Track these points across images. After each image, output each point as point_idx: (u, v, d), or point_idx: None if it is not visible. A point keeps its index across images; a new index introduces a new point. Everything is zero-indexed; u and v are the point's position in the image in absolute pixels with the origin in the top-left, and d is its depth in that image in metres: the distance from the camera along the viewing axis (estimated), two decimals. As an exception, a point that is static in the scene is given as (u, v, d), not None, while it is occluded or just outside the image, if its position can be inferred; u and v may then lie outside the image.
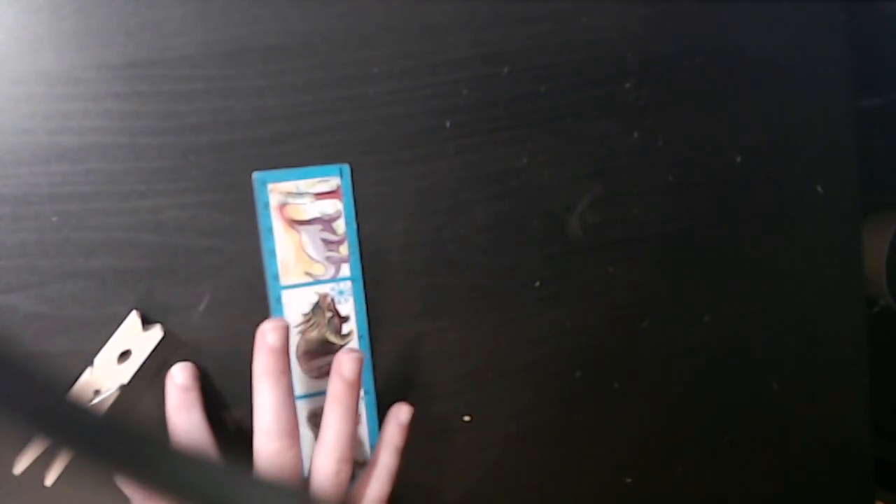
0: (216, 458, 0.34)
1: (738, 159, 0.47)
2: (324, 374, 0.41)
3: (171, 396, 0.37)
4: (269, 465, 0.35)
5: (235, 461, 0.15)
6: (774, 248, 0.49)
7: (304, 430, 0.41)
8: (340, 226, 0.40)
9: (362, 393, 0.41)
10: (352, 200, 0.40)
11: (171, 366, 0.38)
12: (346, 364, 0.37)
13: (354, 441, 0.38)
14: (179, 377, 0.37)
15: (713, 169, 0.47)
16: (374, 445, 0.42)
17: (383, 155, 0.41)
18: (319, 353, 0.40)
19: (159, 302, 0.38)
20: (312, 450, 0.41)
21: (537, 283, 0.44)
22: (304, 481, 0.37)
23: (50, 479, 0.36)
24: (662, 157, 0.46)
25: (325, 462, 0.36)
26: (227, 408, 0.39)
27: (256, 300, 0.39)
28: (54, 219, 0.36)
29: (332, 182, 0.40)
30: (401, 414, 0.40)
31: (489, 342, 0.44)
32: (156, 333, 0.37)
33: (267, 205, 0.39)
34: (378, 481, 0.39)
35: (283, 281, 0.39)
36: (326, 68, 0.39)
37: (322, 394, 0.40)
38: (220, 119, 0.38)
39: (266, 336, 0.36)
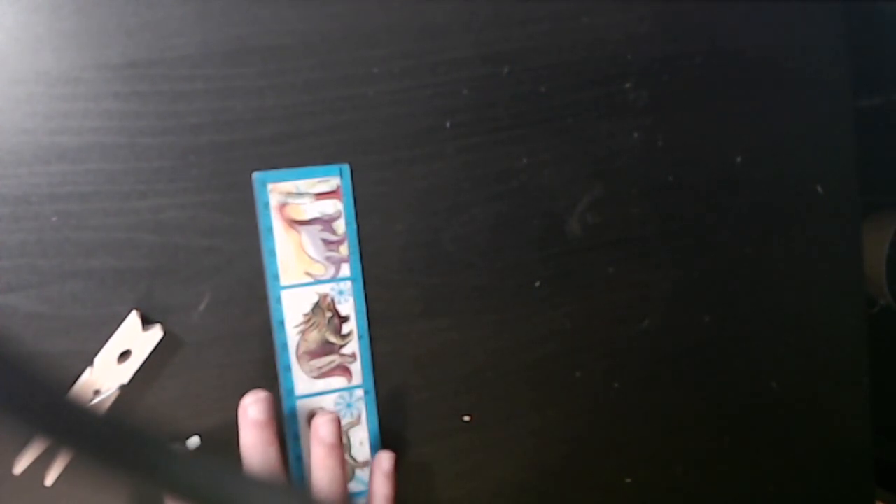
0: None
1: (738, 159, 0.47)
2: (324, 374, 0.41)
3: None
4: None
5: (235, 462, 0.15)
6: (774, 248, 0.49)
7: (304, 431, 0.41)
8: (340, 226, 0.40)
9: (362, 393, 0.41)
10: (352, 200, 0.40)
11: (171, 366, 0.38)
12: (323, 427, 0.36)
13: (346, 497, 0.37)
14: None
15: (713, 169, 0.47)
16: (374, 447, 0.42)
17: (383, 155, 0.41)
18: (319, 353, 0.40)
19: (159, 302, 0.38)
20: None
21: (537, 283, 0.44)
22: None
23: (50, 479, 0.36)
24: (662, 157, 0.46)
25: None
26: (225, 409, 0.39)
27: (256, 300, 0.39)
28: (54, 219, 0.36)
29: (332, 182, 0.40)
30: (384, 463, 0.39)
31: (489, 342, 0.44)
32: (156, 333, 0.37)
33: (267, 205, 0.39)
34: None
35: (283, 281, 0.39)
36: (326, 68, 0.39)
37: (322, 394, 0.40)
38: (220, 119, 0.38)
39: (248, 410, 0.35)
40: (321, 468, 0.36)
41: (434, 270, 0.42)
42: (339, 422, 0.37)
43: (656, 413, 0.47)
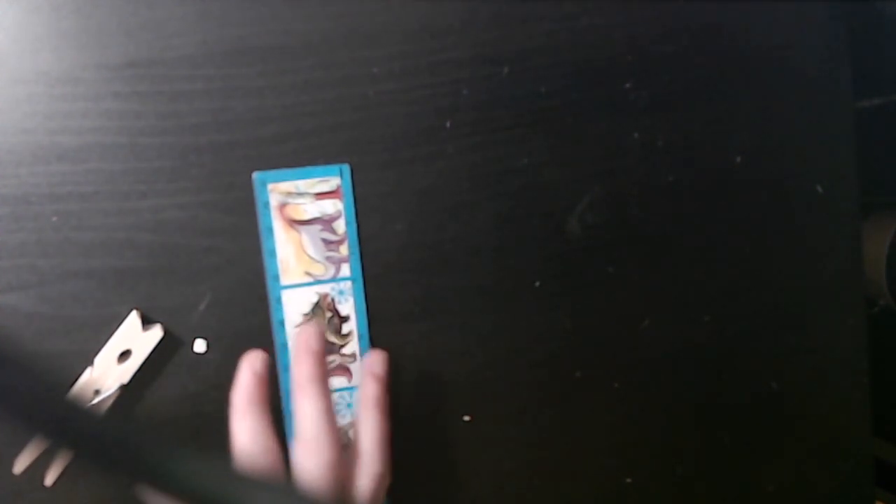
0: (276, 468, 0.34)
1: (738, 159, 0.47)
2: (324, 374, 0.41)
3: (243, 386, 0.35)
4: (320, 477, 0.33)
5: (236, 462, 0.15)
6: (774, 248, 0.49)
7: (304, 430, 0.41)
8: (340, 226, 0.40)
9: (362, 393, 0.41)
10: (352, 200, 0.40)
11: (171, 366, 0.38)
12: (377, 364, 0.38)
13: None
14: (259, 364, 0.36)
15: (713, 169, 0.47)
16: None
17: (383, 155, 0.41)
18: (319, 353, 0.40)
19: (159, 302, 0.38)
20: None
21: (537, 283, 0.44)
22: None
23: (50, 479, 0.36)
24: (662, 157, 0.46)
25: (372, 469, 0.35)
26: (225, 409, 0.39)
27: (256, 300, 0.39)
28: (54, 219, 0.36)
29: (332, 182, 0.40)
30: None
31: (489, 342, 0.44)
32: (156, 333, 0.37)
33: (267, 205, 0.39)
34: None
35: (283, 281, 0.39)
36: (326, 68, 0.39)
37: (322, 394, 0.40)
38: (220, 119, 0.38)
39: (309, 341, 0.35)
40: (374, 405, 0.37)
41: (434, 270, 0.42)
42: (388, 359, 0.39)
43: (656, 413, 0.47)
